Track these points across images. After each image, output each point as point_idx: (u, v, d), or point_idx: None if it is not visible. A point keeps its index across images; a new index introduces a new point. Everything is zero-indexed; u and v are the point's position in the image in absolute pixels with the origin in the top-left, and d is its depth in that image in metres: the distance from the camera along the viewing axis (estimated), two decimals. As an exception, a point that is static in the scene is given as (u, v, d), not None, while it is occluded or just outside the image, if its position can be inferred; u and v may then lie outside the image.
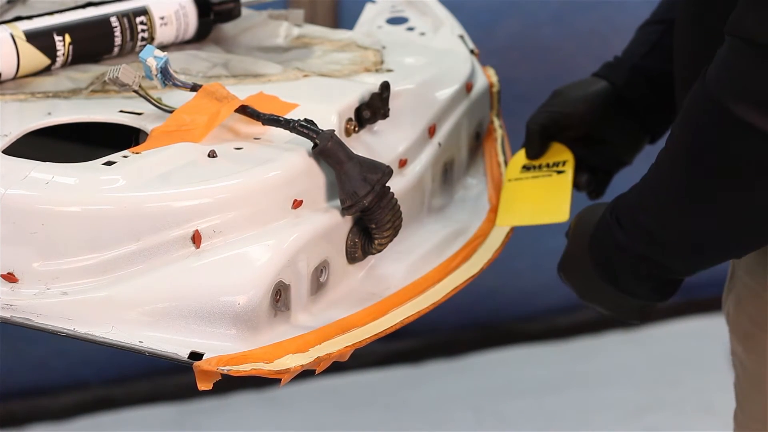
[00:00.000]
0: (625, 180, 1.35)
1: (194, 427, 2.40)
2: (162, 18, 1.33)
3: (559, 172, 1.40)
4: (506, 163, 1.44)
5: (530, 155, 1.41)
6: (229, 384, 2.20)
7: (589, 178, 1.44)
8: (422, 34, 1.49)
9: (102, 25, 1.29)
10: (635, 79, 1.40)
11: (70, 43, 1.26)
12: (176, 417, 2.42)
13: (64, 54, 1.26)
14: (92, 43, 1.29)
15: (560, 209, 1.37)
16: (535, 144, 1.41)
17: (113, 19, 1.29)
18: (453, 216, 1.35)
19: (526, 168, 1.41)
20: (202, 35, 1.38)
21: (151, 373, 2.45)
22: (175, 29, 1.34)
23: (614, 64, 1.43)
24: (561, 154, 1.41)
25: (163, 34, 1.33)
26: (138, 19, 1.31)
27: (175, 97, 1.19)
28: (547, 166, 1.41)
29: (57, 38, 1.26)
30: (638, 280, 1.22)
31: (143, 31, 1.31)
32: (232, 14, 1.40)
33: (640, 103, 1.41)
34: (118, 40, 1.30)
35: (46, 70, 1.26)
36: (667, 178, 1.15)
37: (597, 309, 1.30)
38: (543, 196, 1.39)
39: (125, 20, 1.30)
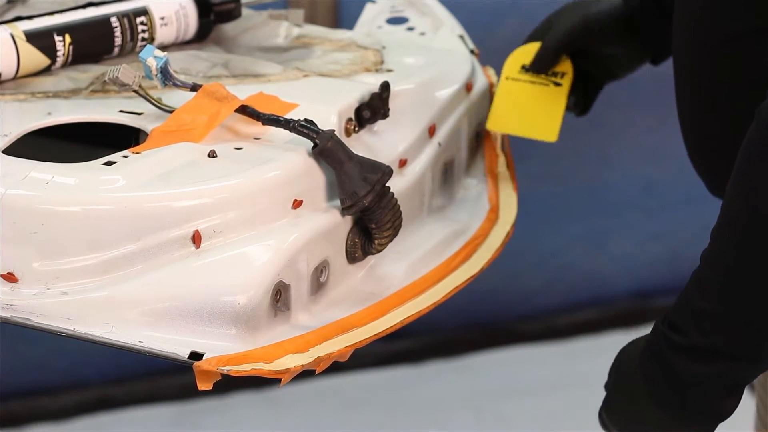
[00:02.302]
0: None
1: (194, 427, 2.40)
2: (162, 18, 1.33)
3: (557, 84, 1.42)
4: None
5: (538, 70, 1.42)
6: (229, 384, 2.20)
7: (578, 100, 1.45)
8: (422, 34, 1.49)
9: (102, 25, 1.29)
10: (648, 3, 1.39)
11: (70, 44, 1.26)
12: (176, 417, 2.42)
13: (64, 54, 1.26)
14: (92, 43, 1.29)
15: (551, 128, 1.40)
16: (549, 62, 1.42)
17: (113, 20, 1.29)
18: (453, 216, 1.35)
19: (525, 69, 1.43)
20: (203, 35, 1.38)
21: (151, 373, 2.44)
22: (176, 29, 1.34)
23: None
24: (561, 64, 1.43)
25: (163, 35, 1.33)
26: (138, 20, 1.31)
27: (175, 97, 1.19)
28: (546, 73, 1.43)
29: (57, 38, 1.26)
30: (707, 386, 1.10)
31: (143, 31, 1.31)
32: (233, 14, 1.40)
33: (649, 28, 1.40)
34: (118, 41, 1.30)
35: (46, 70, 1.26)
36: (728, 236, 1.07)
37: None
38: (536, 108, 1.42)
39: (125, 20, 1.30)
